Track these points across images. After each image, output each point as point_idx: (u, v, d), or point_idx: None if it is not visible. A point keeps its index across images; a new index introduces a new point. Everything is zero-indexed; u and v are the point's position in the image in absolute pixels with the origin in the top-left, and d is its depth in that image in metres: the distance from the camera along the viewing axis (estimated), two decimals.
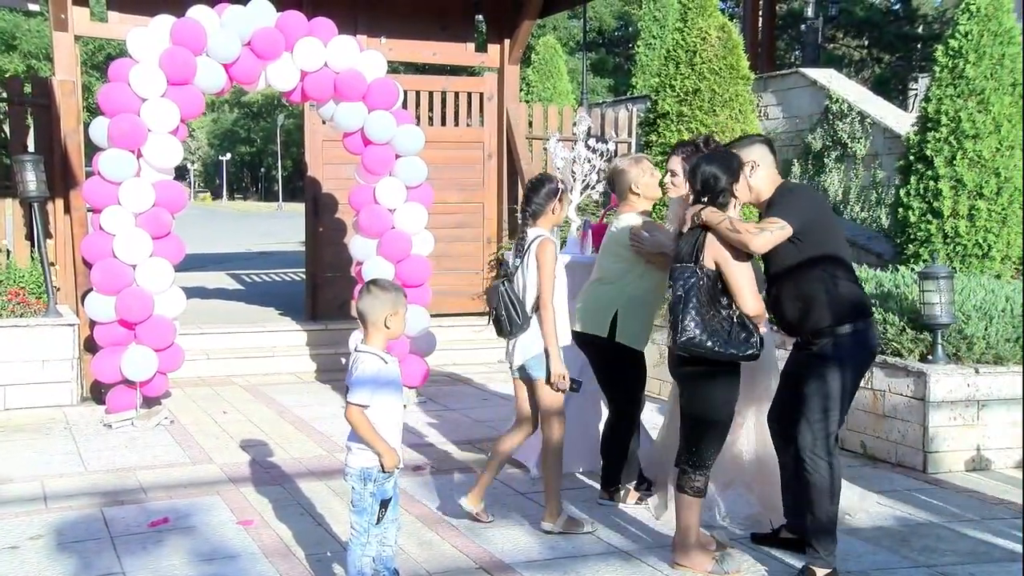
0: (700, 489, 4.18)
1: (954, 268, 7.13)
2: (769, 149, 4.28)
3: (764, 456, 4.80)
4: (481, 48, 10.53)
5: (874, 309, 6.14)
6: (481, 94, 10.45)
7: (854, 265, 4.48)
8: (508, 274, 4.67)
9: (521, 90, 12.17)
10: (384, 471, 3.71)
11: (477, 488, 4.85)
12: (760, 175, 4.21)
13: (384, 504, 3.76)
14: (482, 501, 4.84)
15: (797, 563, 4.22)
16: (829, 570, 4.01)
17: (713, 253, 4.01)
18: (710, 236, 4.02)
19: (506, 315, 4.55)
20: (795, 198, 4.15)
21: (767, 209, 4.15)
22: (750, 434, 4.83)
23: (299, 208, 15.03)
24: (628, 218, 4.97)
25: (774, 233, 3.98)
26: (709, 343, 3.95)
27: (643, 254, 4.83)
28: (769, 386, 4.75)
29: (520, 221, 4.75)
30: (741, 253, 4.00)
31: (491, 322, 4.66)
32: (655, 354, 6.76)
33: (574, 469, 5.61)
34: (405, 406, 7.31)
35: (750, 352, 3.99)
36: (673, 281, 4.08)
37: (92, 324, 7.00)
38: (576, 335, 4.92)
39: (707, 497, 4.41)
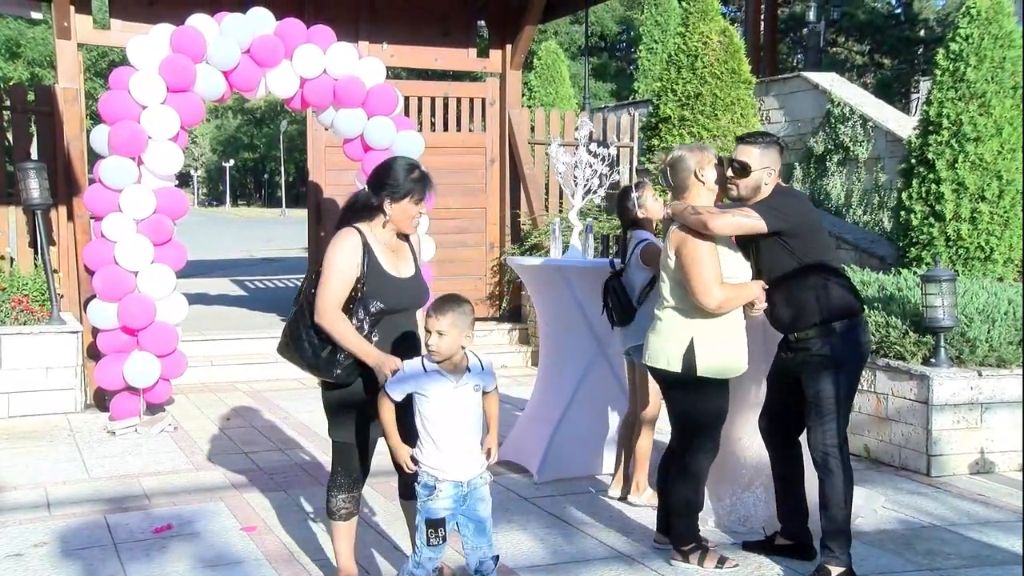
0: (344, 514, 3.83)
1: (956, 271, 7.13)
2: (780, 153, 4.21)
3: None
4: (483, 53, 10.54)
5: (877, 312, 6.15)
6: (483, 99, 10.46)
7: (853, 266, 4.46)
8: (616, 273, 5.11)
9: (523, 95, 12.19)
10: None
11: (618, 475, 5.28)
12: (770, 181, 4.12)
13: (432, 524, 3.38)
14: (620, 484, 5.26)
15: (797, 567, 4.22)
16: (843, 569, 4.00)
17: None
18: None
19: (614, 306, 5.01)
20: (791, 199, 4.14)
21: (755, 206, 4.08)
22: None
23: (302, 214, 15.08)
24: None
25: (736, 217, 3.97)
26: (297, 356, 3.77)
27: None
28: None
29: (622, 229, 5.28)
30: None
31: (603, 312, 5.14)
32: None
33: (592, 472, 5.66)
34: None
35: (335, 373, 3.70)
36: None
37: (95, 331, 7.02)
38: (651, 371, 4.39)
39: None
